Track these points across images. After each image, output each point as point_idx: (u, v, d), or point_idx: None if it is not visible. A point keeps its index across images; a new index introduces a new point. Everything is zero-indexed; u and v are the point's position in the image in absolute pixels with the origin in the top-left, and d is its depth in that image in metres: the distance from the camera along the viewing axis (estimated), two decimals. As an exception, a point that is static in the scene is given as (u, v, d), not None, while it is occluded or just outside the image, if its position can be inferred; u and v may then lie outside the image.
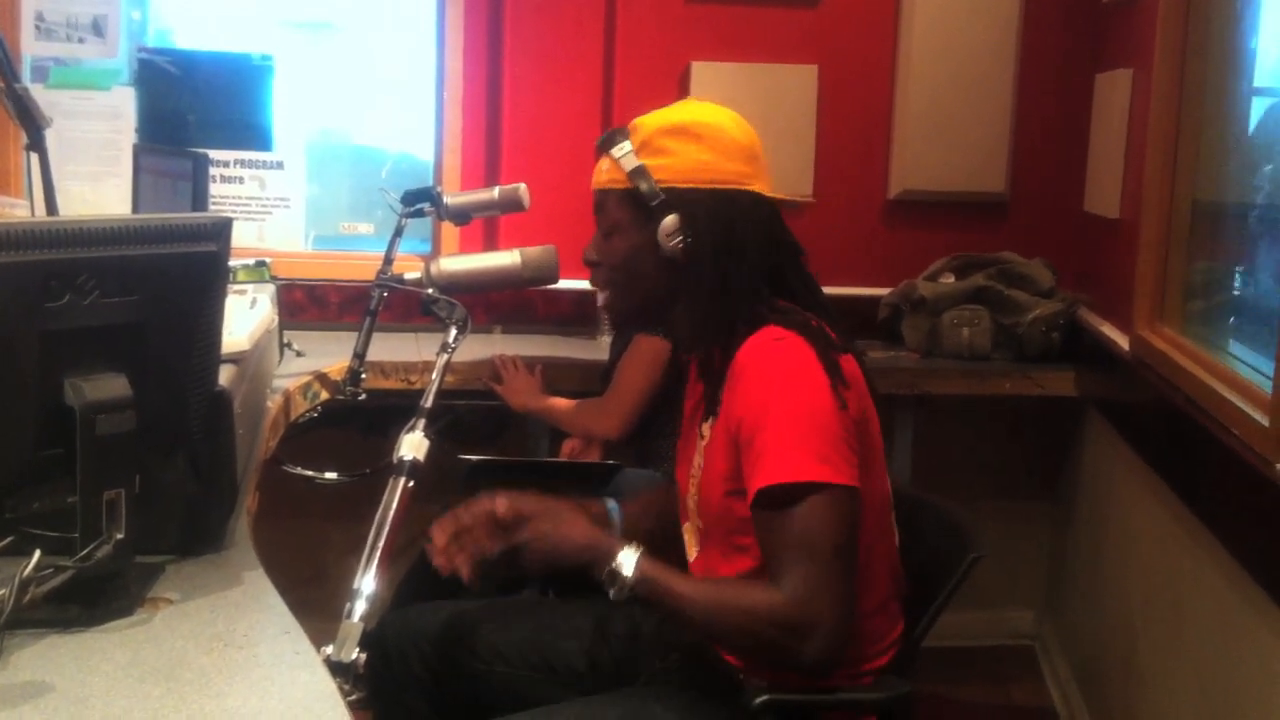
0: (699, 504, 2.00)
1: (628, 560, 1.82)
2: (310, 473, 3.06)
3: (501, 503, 1.92)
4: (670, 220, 1.92)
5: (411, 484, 2.00)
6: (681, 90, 3.61)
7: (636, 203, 1.95)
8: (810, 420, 1.79)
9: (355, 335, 2.86)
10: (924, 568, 2.06)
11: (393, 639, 2.19)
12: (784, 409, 1.80)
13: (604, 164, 2.00)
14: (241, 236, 3.39)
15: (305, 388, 2.92)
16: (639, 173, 1.93)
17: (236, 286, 2.72)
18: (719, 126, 1.96)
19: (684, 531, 2.09)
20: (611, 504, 2.22)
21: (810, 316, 1.91)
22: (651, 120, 1.98)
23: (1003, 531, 3.73)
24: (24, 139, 2.80)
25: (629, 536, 2.09)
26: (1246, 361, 2.57)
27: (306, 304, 3.60)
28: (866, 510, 1.85)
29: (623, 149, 1.96)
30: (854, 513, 1.82)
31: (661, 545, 2.02)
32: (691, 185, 1.93)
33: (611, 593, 1.82)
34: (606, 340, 3.43)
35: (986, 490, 3.78)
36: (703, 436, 1.98)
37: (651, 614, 2.19)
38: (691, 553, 2.06)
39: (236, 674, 1.47)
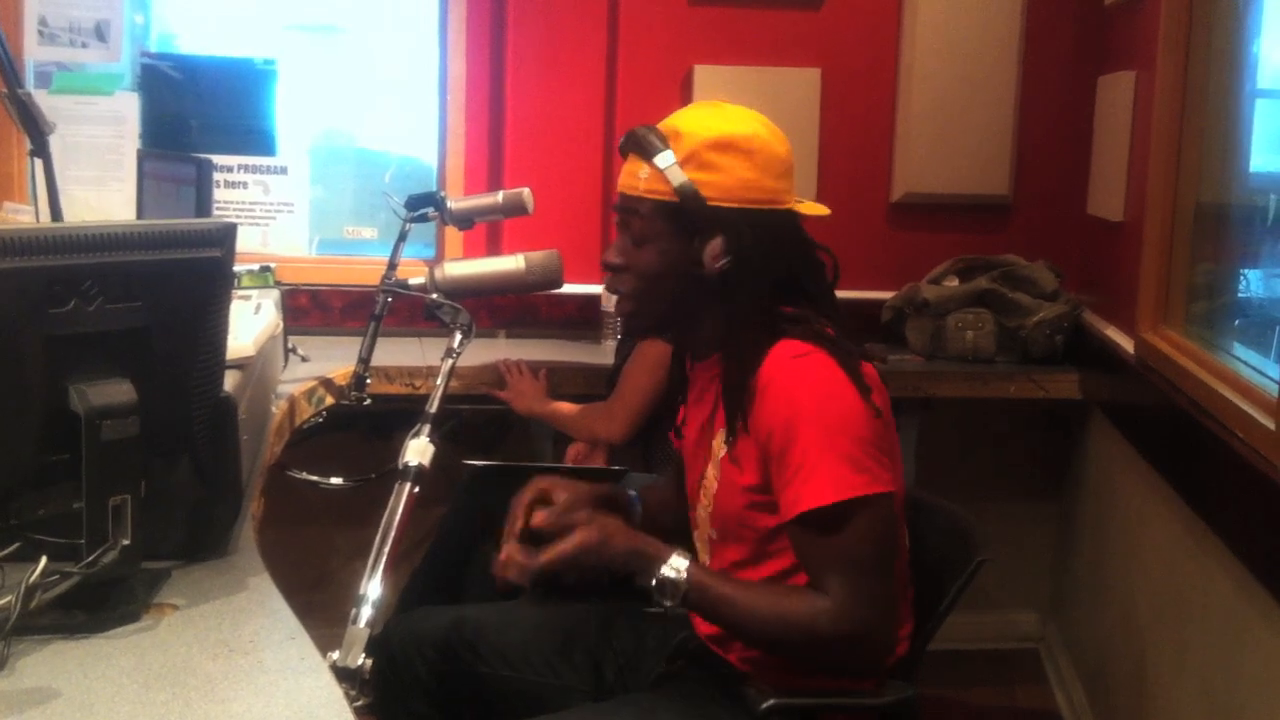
0: (713, 515, 1.99)
1: (680, 566, 1.82)
2: (315, 478, 3.07)
3: (540, 516, 1.91)
4: (716, 242, 1.88)
5: (417, 489, 2.00)
6: (684, 93, 3.60)
7: (678, 217, 1.89)
8: (844, 434, 1.79)
9: (360, 340, 2.86)
10: (929, 571, 2.06)
11: (398, 644, 2.19)
12: (817, 427, 1.79)
13: (642, 170, 1.91)
14: (245, 242, 3.40)
15: (310, 393, 2.92)
16: (687, 189, 1.87)
17: (241, 292, 2.72)
18: (765, 142, 1.92)
19: (694, 541, 2.08)
20: (633, 494, 2.22)
21: (825, 325, 1.90)
22: (696, 129, 1.90)
23: (1007, 535, 3.72)
24: (28, 144, 2.81)
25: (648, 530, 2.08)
26: (1251, 364, 2.57)
27: (311, 309, 3.60)
28: None
29: (666, 159, 1.88)
30: (893, 516, 1.85)
31: (678, 544, 2.02)
32: (738, 205, 1.88)
33: (666, 602, 1.81)
34: (611, 344, 3.43)
35: (990, 493, 3.77)
36: (718, 450, 1.96)
37: (656, 618, 2.19)
38: (704, 562, 2.06)
39: (242, 680, 1.47)
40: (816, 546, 1.81)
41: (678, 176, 1.87)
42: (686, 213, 1.88)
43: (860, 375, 1.83)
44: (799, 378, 1.83)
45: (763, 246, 1.89)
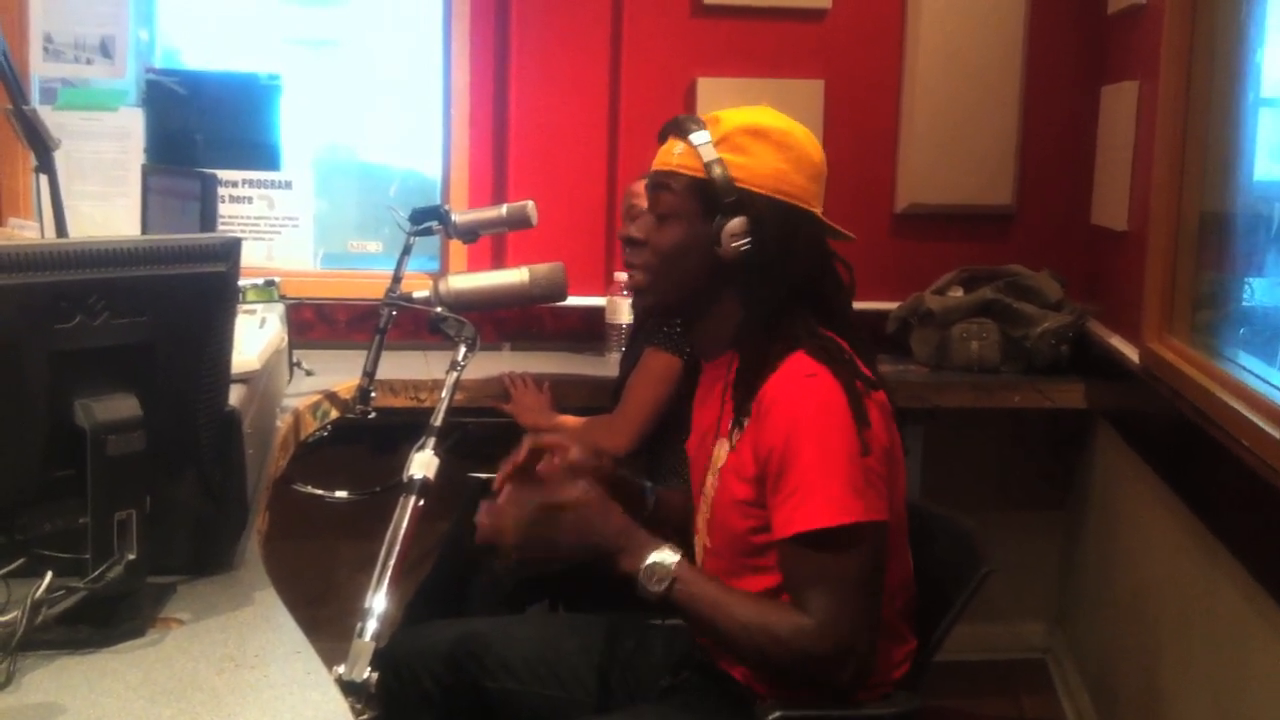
0: (710, 523, 1.99)
1: (668, 557, 1.81)
2: (320, 491, 3.07)
3: (546, 463, 1.95)
4: (737, 222, 1.89)
5: (422, 502, 2.00)
6: (688, 105, 3.62)
7: (704, 195, 1.91)
8: (843, 460, 1.78)
9: (364, 354, 2.86)
10: (935, 581, 2.05)
11: (404, 657, 2.18)
12: (817, 449, 1.79)
13: (677, 147, 1.95)
14: (250, 256, 3.40)
15: (315, 406, 2.92)
16: (717, 166, 1.90)
17: (246, 306, 2.72)
18: (799, 140, 1.95)
19: (694, 546, 2.08)
20: (648, 485, 2.21)
21: (844, 348, 1.89)
22: (735, 117, 1.95)
23: (1013, 544, 3.71)
24: (33, 160, 2.82)
25: (655, 526, 2.07)
26: (1256, 373, 2.57)
27: (315, 323, 3.60)
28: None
29: (702, 137, 1.92)
30: (883, 546, 1.83)
31: (683, 547, 2.01)
32: (764, 192, 1.90)
33: (648, 586, 1.80)
34: (615, 357, 3.43)
35: (996, 503, 3.77)
36: (718, 458, 1.96)
37: (660, 630, 2.19)
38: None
39: (248, 694, 1.47)
40: (805, 567, 1.80)
41: (710, 154, 1.91)
42: (713, 190, 1.90)
43: (861, 403, 1.81)
44: (805, 398, 1.82)
45: (784, 239, 1.90)
